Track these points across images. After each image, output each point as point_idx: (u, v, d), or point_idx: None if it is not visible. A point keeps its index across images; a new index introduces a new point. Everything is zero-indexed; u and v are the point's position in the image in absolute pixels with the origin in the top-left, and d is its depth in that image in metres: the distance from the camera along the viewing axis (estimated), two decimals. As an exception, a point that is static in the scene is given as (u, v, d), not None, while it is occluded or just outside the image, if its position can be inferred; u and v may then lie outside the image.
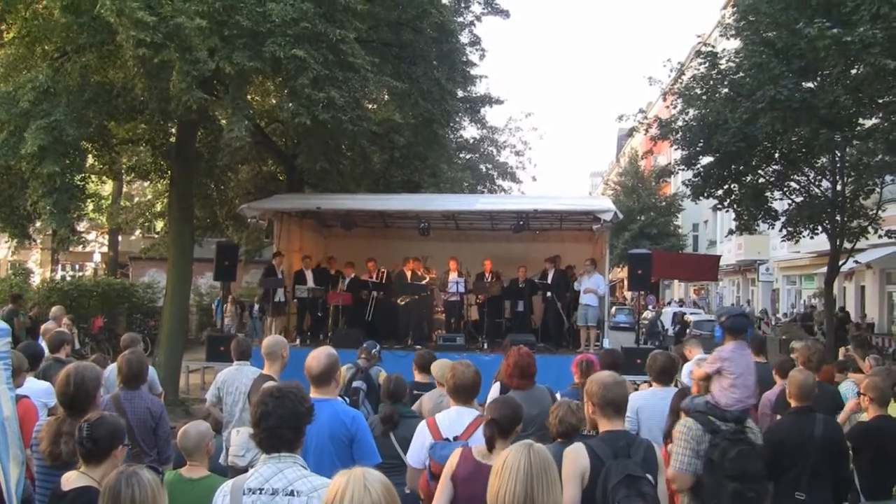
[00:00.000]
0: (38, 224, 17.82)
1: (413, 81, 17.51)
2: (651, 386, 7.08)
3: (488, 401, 6.44)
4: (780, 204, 22.11)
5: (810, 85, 17.28)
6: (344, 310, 17.28)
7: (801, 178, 20.54)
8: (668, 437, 5.83)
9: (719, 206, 22.61)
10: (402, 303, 16.97)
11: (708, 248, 50.21)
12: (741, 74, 18.23)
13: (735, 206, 21.78)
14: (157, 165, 19.87)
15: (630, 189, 51.56)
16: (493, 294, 17.03)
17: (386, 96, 18.89)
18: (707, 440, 5.07)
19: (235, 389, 7.46)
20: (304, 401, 3.60)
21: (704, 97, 19.57)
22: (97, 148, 17.13)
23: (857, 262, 23.42)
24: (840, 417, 6.93)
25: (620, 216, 16.62)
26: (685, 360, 8.31)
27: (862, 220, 20.05)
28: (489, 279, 17.15)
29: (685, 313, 35.90)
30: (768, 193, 21.33)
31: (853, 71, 16.14)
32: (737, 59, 18.81)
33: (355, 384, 8.08)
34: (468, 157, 35.95)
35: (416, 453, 5.13)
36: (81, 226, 18.53)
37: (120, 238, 34.79)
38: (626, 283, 33.79)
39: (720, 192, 21.49)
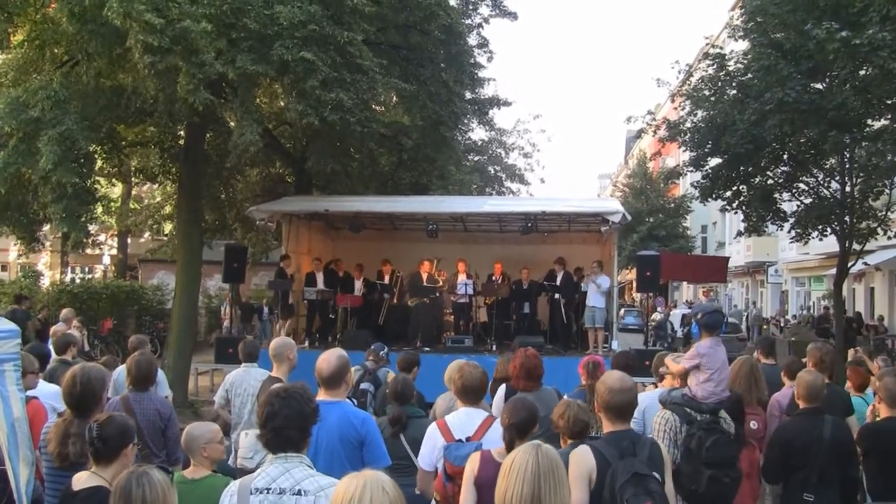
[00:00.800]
0: (47, 228, 17.88)
1: (421, 83, 17.52)
2: (657, 387, 7.08)
3: (494, 402, 6.45)
4: (788, 205, 22.04)
5: (819, 86, 17.23)
6: (353, 312, 17.30)
7: (810, 179, 20.46)
8: None
9: (728, 207, 22.54)
10: (412, 304, 17.01)
11: (716, 249, 50.09)
12: (749, 76, 18.18)
13: (744, 207, 21.70)
14: (165, 168, 19.91)
15: (638, 191, 51.43)
16: (501, 296, 17.03)
17: (394, 98, 18.90)
18: (684, 430, 5.46)
19: (244, 391, 7.47)
20: (310, 401, 3.62)
21: (713, 99, 19.52)
22: (106, 151, 17.17)
23: (866, 263, 23.35)
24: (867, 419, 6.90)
25: (629, 218, 16.60)
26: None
27: (871, 221, 19.96)
28: (498, 281, 17.14)
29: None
30: (777, 195, 21.24)
31: (862, 72, 16.10)
32: (745, 61, 18.75)
33: (363, 386, 8.10)
34: (476, 159, 35.91)
35: (427, 455, 5.14)
36: (92, 228, 18.53)
37: (129, 240, 34.90)
38: (634, 284, 33.72)
39: (729, 193, 21.42)
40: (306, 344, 16.36)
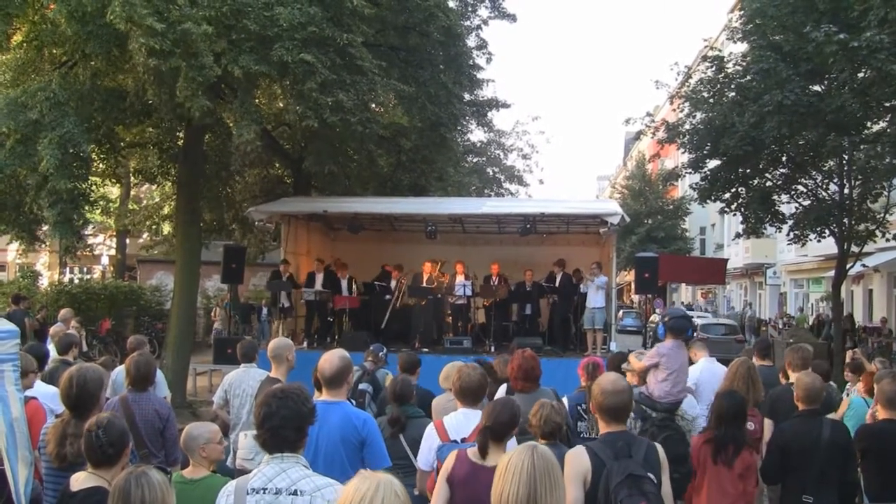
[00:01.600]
0: (46, 227, 17.88)
1: (420, 85, 17.54)
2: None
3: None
4: (787, 207, 22.09)
5: (817, 89, 17.27)
6: (351, 313, 17.31)
7: (809, 181, 20.51)
8: None
9: (726, 209, 22.58)
10: (413, 304, 17.03)
11: (715, 251, 50.12)
12: (748, 78, 18.23)
13: (742, 209, 21.75)
14: (164, 169, 19.92)
15: (637, 192, 51.44)
16: (499, 297, 17.03)
17: (393, 100, 18.92)
18: (638, 426, 5.73)
19: (242, 392, 7.47)
20: (307, 401, 3.63)
21: (711, 101, 19.57)
22: (104, 152, 17.17)
23: (864, 265, 23.38)
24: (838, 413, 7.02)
25: (627, 219, 16.59)
26: (690, 362, 8.32)
27: (869, 223, 20.01)
28: (496, 282, 17.14)
29: (692, 317, 35.85)
30: (775, 197, 21.29)
31: (860, 75, 16.14)
32: (744, 63, 18.81)
33: (361, 386, 8.09)
34: (475, 160, 35.94)
35: (425, 456, 5.16)
36: (88, 229, 18.51)
37: (128, 241, 34.89)
38: (633, 286, 33.78)
39: (727, 195, 21.46)
40: (305, 345, 16.35)
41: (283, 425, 3.49)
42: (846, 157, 18.91)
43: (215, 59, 12.26)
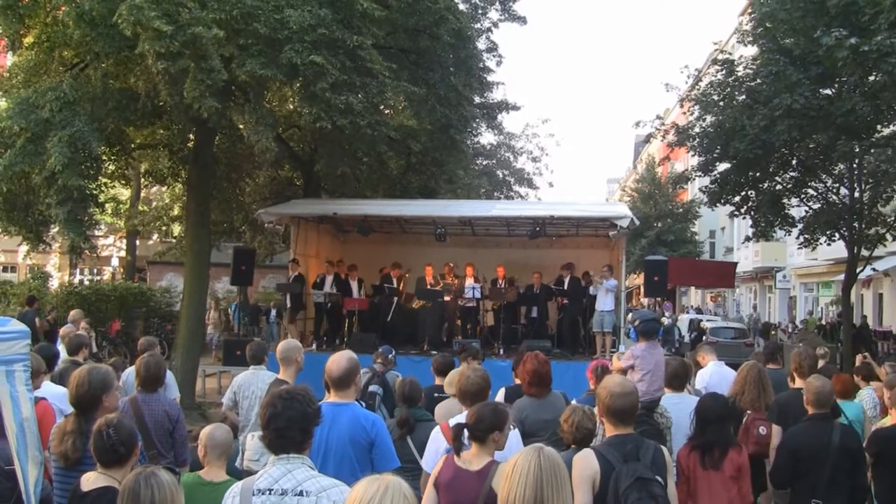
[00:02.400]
0: (55, 229, 17.96)
1: (430, 87, 17.55)
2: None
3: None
4: (797, 211, 22.02)
5: (828, 92, 17.22)
6: (360, 315, 17.32)
7: (819, 185, 20.45)
8: None
9: (736, 212, 22.53)
10: (417, 307, 17.04)
11: (725, 254, 50.02)
12: (758, 81, 18.19)
13: (752, 212, 21.69)
14: (174, 170, 19.97)
15: (647, 195, 51.32)
16: (508, 300, 17.02)
17: (403, 102, 18.96)
18: None
19: (252, 394, 7.47)
20: (312, 403, 3.64)
21: (721, 104, 19.52)
22: (115, 153, 17.23)
23: (874, 269, 23.29)
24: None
25: (637, 222, 16.56)
26: (699, 366, 8.32)
27: (880, 227, 19.94)
28: (503, 285, 17.13)
29: (701, 320, 35.80)
30: (785, 200, 21.23)
31: (871, 78, 16.08)
32: (754, 66, 18.76)
33: (371, 388, 8.10)
34: (485, 163, 35.98)
35: (431, 458, 5.15)
36: (97, 230, 18.55)
37: (138, 242, 34.97)
38: (642, 289, 33.64)
39: (737, 198, 21.41)
40: (314, 347, 16.36)
41: (289, 426, 3.50)
42: (856, 161, 18.85)
43: (224, 62, 12.29)
